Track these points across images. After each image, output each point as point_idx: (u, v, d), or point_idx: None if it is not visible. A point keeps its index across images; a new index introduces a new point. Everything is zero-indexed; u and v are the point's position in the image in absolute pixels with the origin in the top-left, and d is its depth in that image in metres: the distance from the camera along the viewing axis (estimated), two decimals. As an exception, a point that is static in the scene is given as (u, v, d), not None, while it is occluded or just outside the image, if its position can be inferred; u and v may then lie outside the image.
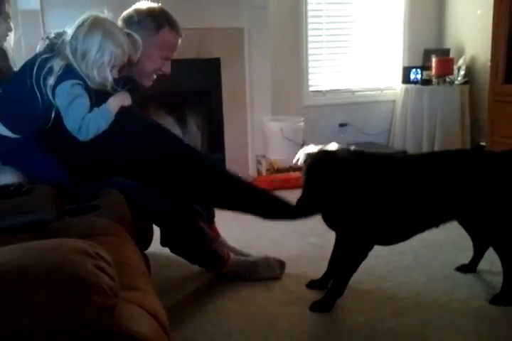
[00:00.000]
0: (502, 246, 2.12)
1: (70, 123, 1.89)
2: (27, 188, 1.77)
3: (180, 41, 2.20)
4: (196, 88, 4.13)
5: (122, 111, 1.96)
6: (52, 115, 1.89)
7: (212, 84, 4.16)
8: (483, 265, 2.40)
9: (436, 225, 2.12)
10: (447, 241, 2.67)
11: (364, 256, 2.08)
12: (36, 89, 1.85)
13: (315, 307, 2.10)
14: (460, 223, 2.25)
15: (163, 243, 2.27)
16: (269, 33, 4.14)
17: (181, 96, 4.17)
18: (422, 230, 2.12)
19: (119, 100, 1.97)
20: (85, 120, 1.88)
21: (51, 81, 1.84)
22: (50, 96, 1.86)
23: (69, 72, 1.86)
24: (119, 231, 1.55)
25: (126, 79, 2.08)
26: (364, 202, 2.02)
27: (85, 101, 1.89)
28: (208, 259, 2.31)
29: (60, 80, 1.85)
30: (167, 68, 2.20)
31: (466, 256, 2.43)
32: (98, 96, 1.94)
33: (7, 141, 1.94)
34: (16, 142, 1.94)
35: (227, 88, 4.18)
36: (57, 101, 1.87)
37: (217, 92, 4.19)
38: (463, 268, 2.41)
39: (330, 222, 2.13)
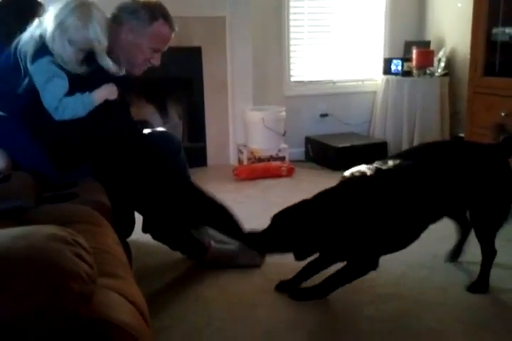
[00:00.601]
0: (484, 234, 2.14)
1: (47, 101, 1.89)
2: (4, 175, 1.75)
3: (173, 35, 2.19)
4: (177, 77, 4.10)
5: (105, 104, 1.97)
6: (26, 81, 1.88)
7: (193, 73, 4.13)
8: (462, 256, 2.43)
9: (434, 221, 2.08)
10: (428, 230, 2.69)
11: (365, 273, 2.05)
12: (20, 63, 1.87)
13: (295, 295, 2.12)
14: None
15: (145, 229, 2.27)
16: (250, 22, 4.13)
17: (162, 85, 4.14)
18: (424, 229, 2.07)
19: (106, 93, 1.98)
20: (63, 102, 1.89)
21: (30, 52, 1.86)
22: (30, 67, 1.87)
23: (45, 48, 1.87)
24: (97, 219, 1.54)
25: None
26: (367, 226, 1.93)
27: (62, 82, 1.89)
28: (189, 246, 2.31)
29: (37, 56, 1.86)
30: (156, 60, 2.19)
31: (446, 245, 2.47)
32: (85, 83, 1.94)
33: None
34: (1, 120, 1.94)
35: (208, 77, 4.16)
36: (35, 78, 1.88)
37: (198, 81, 4.17)
38: (450, 255, 2.42)
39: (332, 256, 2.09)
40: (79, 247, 0.91)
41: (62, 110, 1.89)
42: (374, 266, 2.02)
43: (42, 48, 1.87)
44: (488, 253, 2.15)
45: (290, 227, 1.94)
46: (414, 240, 2.05)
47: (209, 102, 4.22)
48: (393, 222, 1.94)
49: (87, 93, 1.93)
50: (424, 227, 2.05)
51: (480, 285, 2.16)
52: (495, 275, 2.18)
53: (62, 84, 1.89)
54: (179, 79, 4.17)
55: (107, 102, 1.98)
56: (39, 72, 1.87)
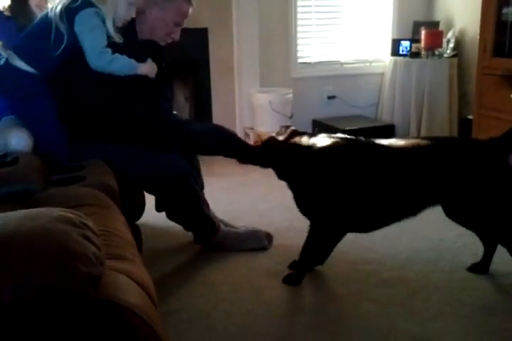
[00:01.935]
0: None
1: (91, 46, 1.95)
2: (12, 158, 1.75)
3: (191, 10, 2.28)
4: (184, 58, 4.07)
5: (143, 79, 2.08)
6: (64, 43, 1.93)
7: (199, 54, 4.10)
8: (468, 238, 2.42)
9: (414, 214, 2.05)
10: (433, 214, 2.68)
11: (336, 241, 2.10)
12: (53, 19, 1.92)
13: (287, 280, 2.13)
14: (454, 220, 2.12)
15: (159, 208, 2.26)
16: (257, 3, 4.08)
17: (168, 66, 4.11)
18: (400, 219, 2.06)
19: (149, 69, 2.09)
20: (115, 55, 1.97)
21: (74, 5, 1.92)
22: (65, 23, 1.91)
23: (89, 2, 1.94)
24: (105, 202, 1.54)
25: (154, 44, 2.20)
26: (336, 189, 1.99)
27: (104, 32, 1.96)
28: (202, 224, 2.31)
29: (83, 6, 1.92)
30: (177, 35, 2.28)
31: (451, 228, 2.46)
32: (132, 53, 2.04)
33: (24, 75, 1.97)
34: (31, 78, 1.97)
35: (215, 59, 4.13)
36: (78, 26, 1.93)
37: (204, 63, 4.14)
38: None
39: (303, 209, 2.13)
40: (87, 229, 0.91)
41: (110, 60, 1.96)
42: (336, 228, 2.06)
43: (86, 1, 1.93)
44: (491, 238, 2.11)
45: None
46: (381, 224, 2.08)
47: (215, 84, 4.19)
48: (366, 194, 1.98)
49: (134, 61, 2.03)
50: (396, 216, 2.05)
51: (482, 266, 2.16)
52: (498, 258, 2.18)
53: (103, 34, 1.96)
54: (186, 61, 4.14)
55: (142, 81, 2.07)
56: (84, 21, 1.93)
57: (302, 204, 2.11)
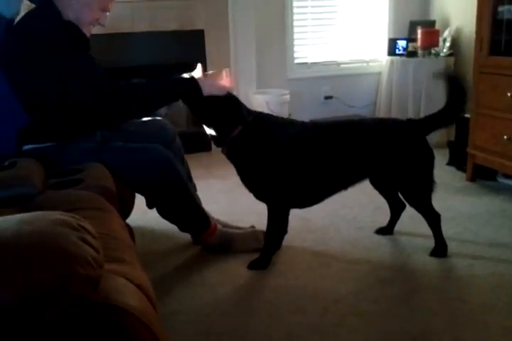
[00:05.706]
0: (419, 206, 2.29)
1: None
2: (10, 162, 1.75)
3: None
4: (180, 60, 4.07)
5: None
6: None
7: (196, 56, 4.10)
8: (466, 237, 2.42)
9: (346, 187, 2.27)
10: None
11: (285, 216, 2.25)
12: None
13: (253, 265, 2.23)
14: (376, 188, 2.44)
15: (150, 204, 2.22)
16: (253, 4, 4.09)
17: (165, 68, 4.11)
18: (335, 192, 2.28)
19: None
20: None
21: None
22: None
23: None
24: (103, 205, 1.54)
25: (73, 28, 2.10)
26: (276, 168, 2.15)
27: None
28: (195, 215, 2.27)
29: None
30: (104, 20, 2.19)
31: (449, 227, 2.46)
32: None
33: None
34: None
35: (211, 60, 4.13)
36: None
37: (201, 65, 4.13)
38: (381, 231, 2.55)
39: (252, 190, 2.26)
40: (85, 232, 0.91)
41: None
42: (286, 209, 2.24)
43: None
44: (432, 218, 2.29)
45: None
46: (319, 197, 2.28)
47: (213, 86, 4.18)
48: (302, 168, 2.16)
49: None
50: (331, 188, 2.26)
51: (439, 249, 2.30)
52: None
53: None
54: (182, 63, 4.14)
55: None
56: None
57: (247, 181, 2.25)
